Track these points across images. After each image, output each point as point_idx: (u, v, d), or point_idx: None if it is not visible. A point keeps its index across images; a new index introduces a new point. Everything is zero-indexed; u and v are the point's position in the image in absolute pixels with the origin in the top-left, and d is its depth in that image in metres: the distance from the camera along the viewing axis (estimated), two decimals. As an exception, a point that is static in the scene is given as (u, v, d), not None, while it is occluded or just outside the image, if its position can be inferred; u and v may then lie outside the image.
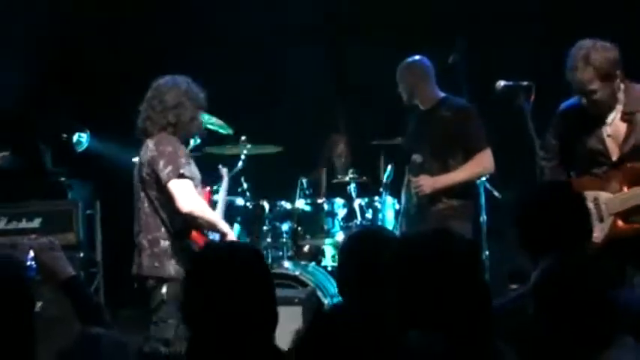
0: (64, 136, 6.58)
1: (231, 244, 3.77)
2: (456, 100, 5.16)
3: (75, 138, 6.58)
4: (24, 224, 5.81)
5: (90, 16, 7.22)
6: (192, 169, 4.38)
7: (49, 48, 7.11)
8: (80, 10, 7.18)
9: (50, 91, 7.11)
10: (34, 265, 5.02)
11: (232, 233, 4.51)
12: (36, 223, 5.82)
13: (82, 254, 6.21)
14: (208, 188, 4.75)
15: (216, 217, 4.53)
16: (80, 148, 6.59)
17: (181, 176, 4.21)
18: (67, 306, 5.20)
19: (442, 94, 5.16)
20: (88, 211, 6.43)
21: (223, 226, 4.46)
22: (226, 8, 7.25)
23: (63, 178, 6.56)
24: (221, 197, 4.90)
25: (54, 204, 6.07)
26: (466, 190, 5.08)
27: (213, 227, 4.40)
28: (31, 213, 5.87)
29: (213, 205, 4.72)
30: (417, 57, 5.18)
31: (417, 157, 5.10)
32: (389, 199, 5.66)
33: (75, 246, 6.01)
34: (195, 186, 4.39)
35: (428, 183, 5.00)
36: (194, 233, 4.39)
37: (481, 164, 5.03)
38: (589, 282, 2.38)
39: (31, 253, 5.24)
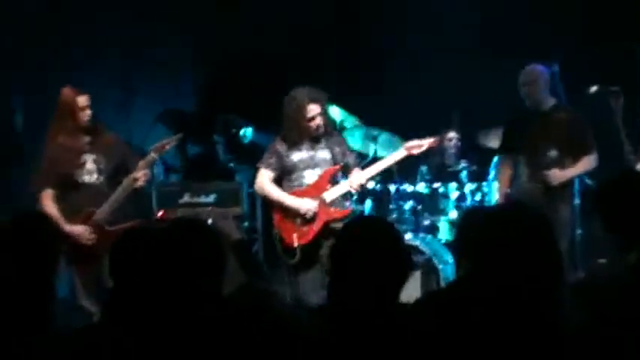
0: (233, 130, 6.71)
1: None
2: (566, 104, 5.27)
3: (241, 132, 6.69)
4: (203, 199, 5.82)
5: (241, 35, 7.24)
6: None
7: (219, 59, 7.35)
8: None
9: (221, 93, 7.30)
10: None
11: None
12: (211, 198, 5.84)
13: (246, 223, 6.37)
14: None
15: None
16: (245, 141, 6.72)
17: None
18: (234, 262, 5.57)
19: (554, 99, 5.25)
20: (250, 190, 6.11)
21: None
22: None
23: (232, 164, 6.74)
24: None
25: (225, 184, 6.13)
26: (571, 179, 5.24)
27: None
28: (208, 190, 5.87)
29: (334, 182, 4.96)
30: (537, 64, 5.21)
31: (552, 152, 5.11)
32: (495, 185, 5.71)
33: (241, 217, 6.13)
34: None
35: (558, 175, 5.09)
36: None
37: (594, 161, 5.17)
38: None
39: (209, 220, 5.92)
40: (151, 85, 6.78)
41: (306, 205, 4.86)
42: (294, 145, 4.97)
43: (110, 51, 6.65)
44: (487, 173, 6.10)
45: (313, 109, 4.91)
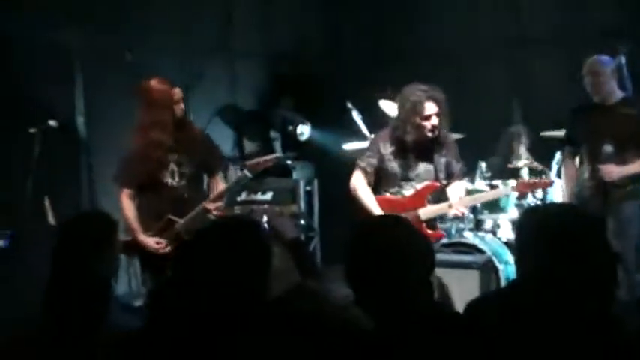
0: (290, 128, 6.77)
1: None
2: (634, 98, 5.12)
3: (299, 130, 6.77)
4: (259, 197, 5.91)
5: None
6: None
7: (281, 60, 7.41)
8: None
9: (280, 92, 7.31)
10: (267, 227, 5.47)
11: None
12: (268, 196, 5.91)
13: (302, 222, 6.38)
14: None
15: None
16: (302, 138, 6.78)
17: None
18: (288, 261, 5.43)
19: (621, 92, 5.10)
20: (308, 188, 6.53)
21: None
22: (424, 20, 7.25)
23: (289, 162, 6.72)
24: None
25: (282, 182, 6.16)
26: (636, 176, 5.05)
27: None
28: (264, 188, 5.93)
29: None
30: (603, 56, 5.08)
31: (607, 148, 4.99)
32: (557, 182, 5.58)
33: (297, 215, 6.20)
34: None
35: (615, 170, 4.95)
36: None
37: None
38: None
39: (265, 218, 5.87)
40: (207, 81, 6.73)
41: None
42: (400, 149, 4.79)
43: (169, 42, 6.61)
44: (549, 169, 5.96)
45: (430, 107, 4.72)
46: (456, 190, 4.89)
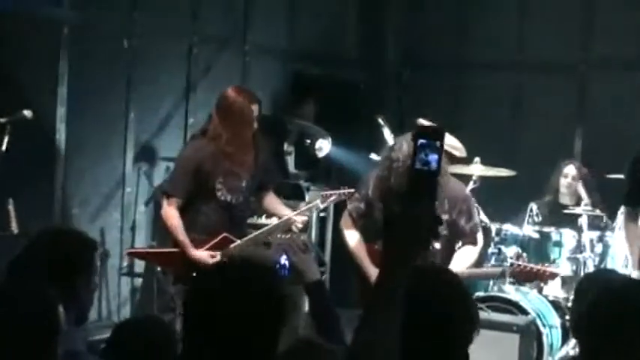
0: (308, 141, 6.65)
1: None
2: None
3: (318, 144, 6.62)
4: (263, 220, 5.63)
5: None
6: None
7: (305, 59, 7.38)
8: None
9: (299, 97, 7.23)
10: (287, 265, 5.17)
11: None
12: (273, 220, 5.38)
13: (312, 254, 5.99)
14: None
15: None
16: (321, 154, 6.63)
17: None
18: (301, 309, 5.39)
19: None
20: (322, 214, 6.36)
21: None
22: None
23: (302, 181, 6.60)
24: None
25: (293, 204, 5.57)
26: None
27: None
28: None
29: None
30: None
31: None
32: (621, 237, 5.25)
33: (307, 246, 5.76)
34: None
35: None
36: None
37: None
38: None
39: (284, 256, 5.43)
40: (213, 77, 6.65)
41: None
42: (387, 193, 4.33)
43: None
44: (613, 220, 5.77)
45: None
46: (464, 257, 4.48)
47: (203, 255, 4.41)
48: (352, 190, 4.66)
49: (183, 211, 4.47)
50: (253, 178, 4.58)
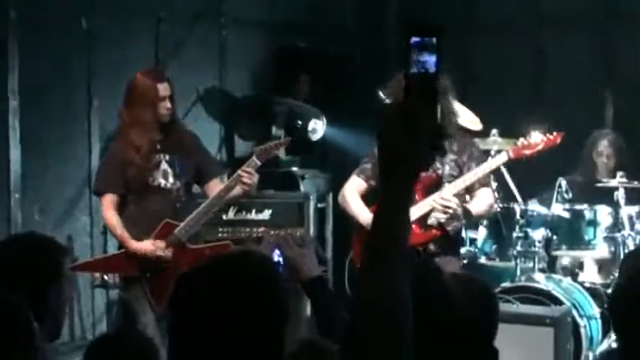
0: (299, 123, 6.53)
1: None
2: None
3: (311, 126, 6.52)
4: (253, 215, 5.68)
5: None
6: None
7: (291, 31, 7.21)
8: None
9: (289, 74, 7.07)
10: (281, 262, 4.91)
11: None
12: (265, 215, 5.70)
13: (311, 248, 6.13)
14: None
15: None
16: (315, 137, 6.54)
17: None
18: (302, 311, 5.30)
19: None
20: (320, 205, 6.24)
21: None
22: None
23: (295, 169, 6.54)
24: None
25: (285, 196, 5.95)
26: None
27: None
28: (261, 204, 5.69)
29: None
30: None
31: None
32: None
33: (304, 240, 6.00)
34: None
35: None
36: None
37: None
38: None
39: (277, 251, 5.14)
40: (187, 55, 6.47)
41: None
42: None
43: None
44: None
45: None
46: (482, 199, 4.82)
47: (144, 245, 4.54)
48: (289, 138, 4.97)
49: (122, 209, 4.62)
50: (185, 164, 4.70)
